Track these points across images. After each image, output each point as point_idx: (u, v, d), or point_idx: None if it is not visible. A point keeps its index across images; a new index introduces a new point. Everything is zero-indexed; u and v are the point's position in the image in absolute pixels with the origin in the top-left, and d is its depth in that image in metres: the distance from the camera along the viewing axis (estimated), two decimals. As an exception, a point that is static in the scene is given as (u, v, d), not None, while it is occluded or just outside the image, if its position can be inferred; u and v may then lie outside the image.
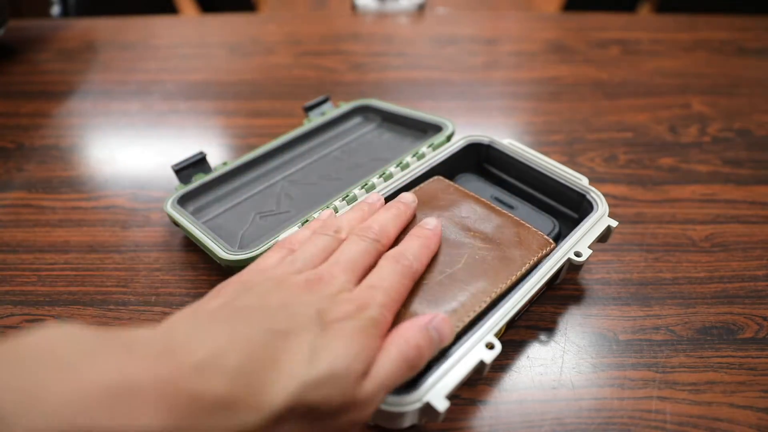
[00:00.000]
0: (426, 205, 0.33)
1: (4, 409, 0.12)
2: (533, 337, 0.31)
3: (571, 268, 0.31)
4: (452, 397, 0.23)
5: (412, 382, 0.23)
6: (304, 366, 0.17)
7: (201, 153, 0.39)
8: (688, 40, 0.67)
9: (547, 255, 0.29)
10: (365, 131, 0.46)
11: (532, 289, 0.27)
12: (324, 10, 1.10)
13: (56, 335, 0.14)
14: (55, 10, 0.98)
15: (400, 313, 0.26)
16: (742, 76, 0.60)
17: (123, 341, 0.15)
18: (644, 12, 1.17)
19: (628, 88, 0.57)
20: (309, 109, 0.46)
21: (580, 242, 0.30)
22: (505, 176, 0.39)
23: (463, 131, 0.41)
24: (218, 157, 0.47)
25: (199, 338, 0.17)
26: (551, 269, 0.28)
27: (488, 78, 0.61)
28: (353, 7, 0.85)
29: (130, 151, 0.49)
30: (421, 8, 0.82)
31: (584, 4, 1.08)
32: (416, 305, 0.26)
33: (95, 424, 0.12)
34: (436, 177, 0.36)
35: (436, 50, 0.67)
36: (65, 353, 0.14)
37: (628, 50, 0.65)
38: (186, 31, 0.72)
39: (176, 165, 0.38)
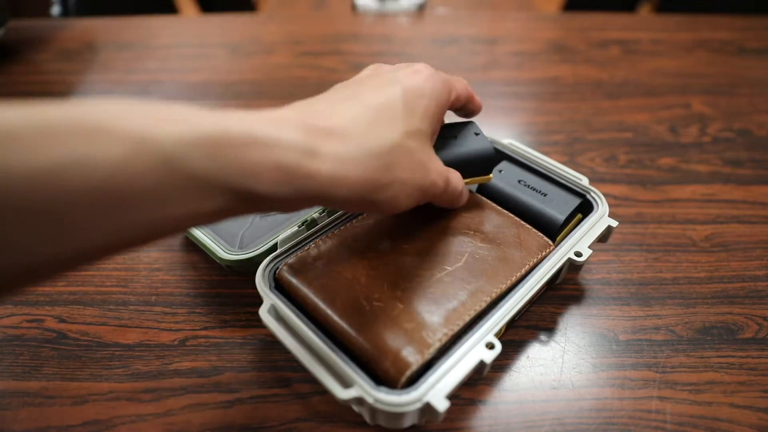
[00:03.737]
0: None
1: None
2: (533, 337, 0.31)
3: (571, 268, 0.31)
4: (452, 396, 0.23)
5: (412, 381, 0.23)
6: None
7: None
8: (688, 40, 0.67)
9: (546, 256, 0.29)
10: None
11: (532, 289, 0.27)
12: (324, 10, 1.10)
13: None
14: (55, 10, 0.98)
15: (400, 310, 0.26)
16: (742, 76, 0.60)
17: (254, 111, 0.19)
18: (644, 12, 1.17)
19: (628, 88, 0.57)
20: None
21: (580, 242, 0.30)
22: None
23: (463, 131, 0.41)
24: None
25: (320, 102, 0.21)
26: (551, 269, 0.28)
27: (489, 78, 0.61)
28: (353, 7, 0.85)
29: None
30: (421, 8, 0.82)
31: (584, 4, 1.08)
32: (416, 302, 0.26)
33: (268, 132, 0.17)
34: None
35: (436, 50, 0.67)
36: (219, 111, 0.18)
37: (628, 50, 0.65)
38: (186, 31, 0.72)
39: None
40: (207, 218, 0.17)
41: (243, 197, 0.17)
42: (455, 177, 0.27)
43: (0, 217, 0.13)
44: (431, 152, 0.24)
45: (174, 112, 0.16)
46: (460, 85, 0.28)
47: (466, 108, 0.30)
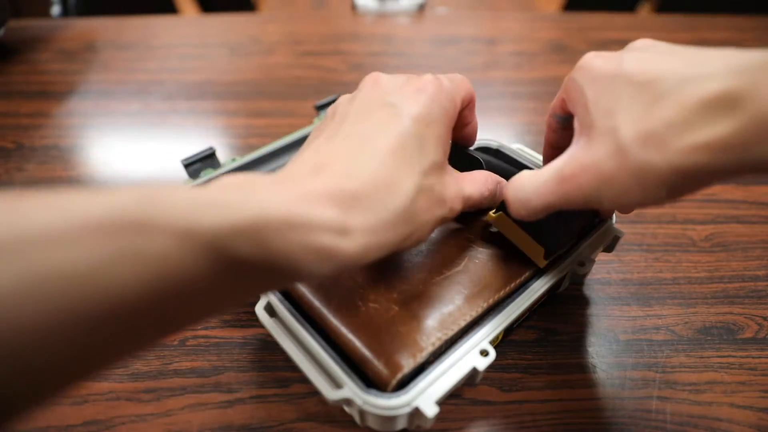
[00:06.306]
0: None
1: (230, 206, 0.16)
2: (533, 337, 0.31)
3: (574, 277, 0.30)
4: (450, 396, 0.23)
5: (404, 384, 0.23)
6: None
7: (211, 148, 0.39)
8: (688, 40, 0.67)
9: (549, 264, 0.29)
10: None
11: (530, 298, 0.27)
12: (324, 10, 1.10)
13: (234, 179, 0.18)
14: (55, 10, 0.98)
15: (395, 312, 0.25)
16: (742, 76, 0.60)
17: (282, 176, 0.20)
18: (644, 12, 1.17)
19: (628, 88, 0.57)
20: (320, 107, 0.46)
21: (584, 252, 0.29)
22: None
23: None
24: (219, 157, 0.47)
25: (335, 153, 0.21)
26: (552, 279, 0.28)
27: (488, 78, 0.61)
28: (353, 7, 0.85)
29: (130, 152, 0.49)
30: (421, 8, 0.82)
31: (584, 4, 1.08)
32: (412, 305, 0.26)
33: (303, 212, 0.17)
34: None
35: (436, 50, 0.67)
36: (252, 184, 0.18)
37: (628, 50, 0.65)
38: (186, 31, 0.72)
39: (186, 159, 0.38)
40: (252, 298, 0.18)
41: (286, 278, 0.18)
42: (475, 188, 0.25)
43: (61, 327, 0.13)
44: (447, 177, 0.23)
45: (213, 197, 0.16)
46: (463, 87, 0.25)
47: (464, 118, 0.27)
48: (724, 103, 0.17)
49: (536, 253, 0.28)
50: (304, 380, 0.29)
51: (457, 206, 0.24)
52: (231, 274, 0.16)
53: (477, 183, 0.25)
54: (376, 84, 0.24)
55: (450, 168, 0.24)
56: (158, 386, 0.29)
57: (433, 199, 0.22)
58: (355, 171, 0.20)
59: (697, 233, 0.39)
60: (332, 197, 0.19)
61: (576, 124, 0.23)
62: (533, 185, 0.23)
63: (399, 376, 0.23)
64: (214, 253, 0.15)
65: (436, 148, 0.22)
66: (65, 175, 0.45)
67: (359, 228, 0.19)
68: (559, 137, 0.28)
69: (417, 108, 0.22)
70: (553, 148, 0.28)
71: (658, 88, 0.19)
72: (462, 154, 0.29)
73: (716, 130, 0.17)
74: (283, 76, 0.61)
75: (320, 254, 0.18)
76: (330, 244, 0.18)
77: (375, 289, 0.27)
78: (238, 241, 0.15)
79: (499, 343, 0.29)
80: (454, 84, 0.24)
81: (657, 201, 0.20)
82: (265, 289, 0.18)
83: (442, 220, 0.23)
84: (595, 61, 0.22)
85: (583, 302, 0.34)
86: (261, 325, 0.26)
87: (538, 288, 0.27)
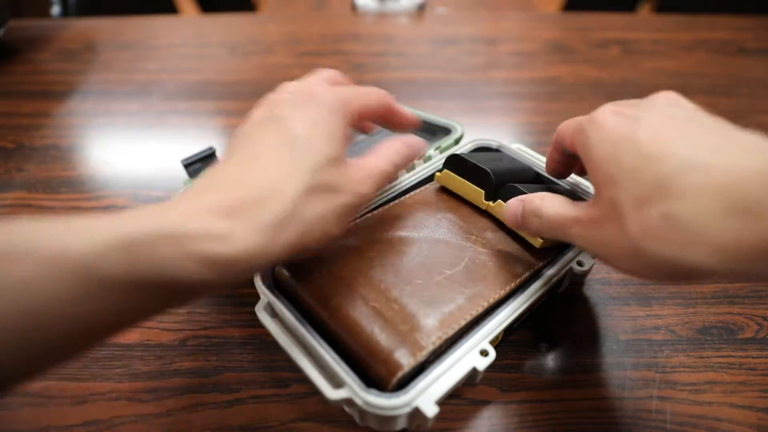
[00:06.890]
0: (429, 206, 0.32)
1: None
2: (532, 337, 0.31)
3: (574, 277, 0.30)
4: (450, 396, 0.23)
5: (404, 384, 0.23)
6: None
7: (211, 148, 0.39)
8: (688, 40, 0.67)
9: (548, 264, 0.29)
10: (374, 132, 0.46)
11: (530, 298, 0.27)
12: (324, 10, 1.10)
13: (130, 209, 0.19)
14: (55, 10, 0.98)
15: (395, 311, 0.25)
16: (742, 76, 0.60)
17: (172, 201, 0.20)
18: (644, 12, 1.17)
19: (628, 88, 0.57)
20: None
21: (583, 252, 0.30)
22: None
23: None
24: (218, 157, 0.47)
25: (223, 172, 0.22)
26: (552, 279, 0.28)
27: (488, 78, 0.61)
28: (353, 7, 0.85)
29: (130, 151, 0.49)
30: (421, 8, 0.82)
31: (584, 4, 1.08)
32: (412, 304, 0.26)
33: (178, 225, 0.18)
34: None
35: (436, 50, 0.67)
36: (138, 209, 0.19)
37: (628, 50, 0.65)
38: (186, 31, 0.72)
39: (186, 159, 0.38)
40: (139, 315, 0.18)
41: (169, 290, 0.18)
42: (388, 160, 0.26)
43: None
44: (349, 167, 0.24)
45: (88, 222, 0.17)
46: (367, 98, 0.26)
47: (387, 122, 0.29)
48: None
49: (477, 196, 0.31)
50: (304, 380, 0.29)
51: (367, 189, 0.24)
52: (110, 293, 0.16)
53: (387, 154, 0.26)
54: (266, 99, 0.25)
55: (354, 158, 0.25)
56: (158, 386, 0.29)
57: (332, 190, 0.22)
58: (239, 183, 0.21)
59: (697, 233, 0.39)
60: (213, 209, 0.19)
61: (589, 176, 0.24)
62: (556, 214, 0.24)
63: (399, 374, 0.23)
64: (85, 274, 0.16)
65: (330, 143, 0.23)
66: (65, 175, 0.45)
67: (241, 232, 0.19)
68: (563, 157, 0.30)
69: (301, 113, 0.23)
70: (560, 154, 0.30)
71: (660, 168, 0.19)
72: (468, 166, 0.31)
73: (714, 233, 0.17)
74: (283, 76, 0.60)
75: (200, 261, 0.18)
76: (209, 250, 0.18)
77: (376, 289, 0.27)
78: (108, 259, 0.16)
79: (499, 343, 0.29)
80: (350, 91, 0.26)
81: (650, 280, 0.21)
82: (160, 306, 0.18)
83: (352, 208, 0.23)
84: (609, 119, 0.22)
85: (583, 302, 0.34)
86: (261, 325, 0.26)
87: (538, 288, 0.27)
